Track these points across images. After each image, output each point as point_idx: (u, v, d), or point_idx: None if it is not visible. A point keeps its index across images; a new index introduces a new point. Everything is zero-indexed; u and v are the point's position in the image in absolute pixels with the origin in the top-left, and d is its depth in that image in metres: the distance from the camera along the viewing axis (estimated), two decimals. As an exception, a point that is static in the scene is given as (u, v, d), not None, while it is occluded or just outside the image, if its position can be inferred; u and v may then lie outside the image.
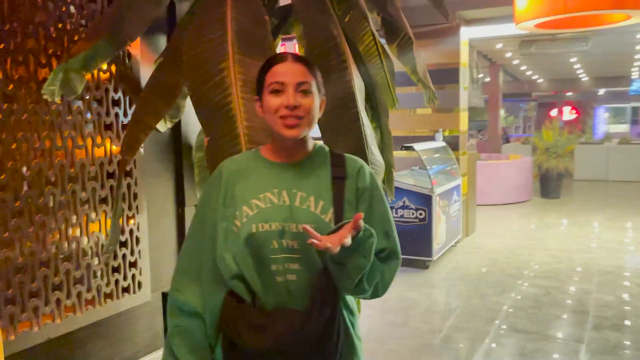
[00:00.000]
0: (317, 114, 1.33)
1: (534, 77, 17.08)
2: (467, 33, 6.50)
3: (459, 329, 3.74)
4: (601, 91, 22.67)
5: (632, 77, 16.62)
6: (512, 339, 3.56)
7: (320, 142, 1.42)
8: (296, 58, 1.34)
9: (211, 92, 2.05)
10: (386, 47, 2.85)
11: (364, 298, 1.34)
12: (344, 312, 1.34)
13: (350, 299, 1.38)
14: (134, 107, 2.78)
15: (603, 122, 28.20)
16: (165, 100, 2.35)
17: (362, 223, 1.17)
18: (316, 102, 1.32)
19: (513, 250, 6.03)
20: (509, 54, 11.35)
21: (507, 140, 16.78)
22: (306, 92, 1.30)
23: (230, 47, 2.06)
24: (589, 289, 4.64)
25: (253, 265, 1.28)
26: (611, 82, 18.21)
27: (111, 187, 2.98)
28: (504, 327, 3.77)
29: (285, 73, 1.30)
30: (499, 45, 10.07)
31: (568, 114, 24.05)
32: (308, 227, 1.18)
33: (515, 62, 12.75)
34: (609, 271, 5.27)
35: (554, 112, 24.22)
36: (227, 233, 1.32)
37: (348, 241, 1.16)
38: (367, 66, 2.65)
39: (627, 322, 3.85)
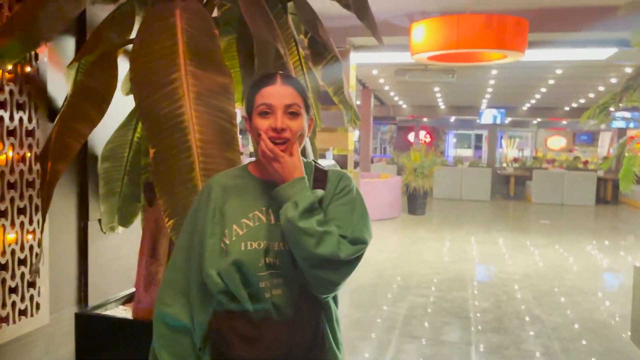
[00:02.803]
0: (305, 133, 1.36)
1: (400, 103, 18.45)
2: (355, 58, 6.89)
3: (364, 339, 3.94)
4: (452, 118, 25.12)
5: (481, 108, 18.70)
6: (412, 345, 3.84)
7: (308, 159, 1.45)
8: (285, 80, 1.35)
9: (160, 102, 1.99)
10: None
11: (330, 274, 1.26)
12: (327, 323, 1.38)
13: (334, 310, 1.43)
14: (61, 112, 2.55)
15: (452, 146, 31.28)
16: (97, 107, 2.22)
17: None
18: (304, 123, 1.34)
19: (395, 262, 6.45)
20: (382, 80, 12.16)
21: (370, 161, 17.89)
22: (294, 114, 1.31)
23: (182, 58, 2.02)
24: (465, 296, 5.14)
25: (240, 282, 1.29)
26: (463, 110, 20.31)
27: (12, 199, 2.70)
28: (403, 334, 4.04)
29: (274, 95, 1.30)
30: (374, 72, 10.76)
31: (423, 137, 26.32)
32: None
33: (386, 87, 13.69)
34: (479, 280, 5.90)
35: (411, 136, 26.33)
36: (214, 250, 1.32)
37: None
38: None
39: (504, 325, 4.34)
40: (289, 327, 1.29)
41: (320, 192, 1.29)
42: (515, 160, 19.58)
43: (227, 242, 1.31)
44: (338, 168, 1.51)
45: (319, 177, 1.39)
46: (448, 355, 3.66)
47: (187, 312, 1.35)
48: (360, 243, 1.29)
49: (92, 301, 3.24)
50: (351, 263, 1.27)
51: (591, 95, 14.29)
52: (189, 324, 1.35)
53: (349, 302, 4.83)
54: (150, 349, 1.42)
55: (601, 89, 13.01)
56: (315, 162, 1.45)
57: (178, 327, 1.35)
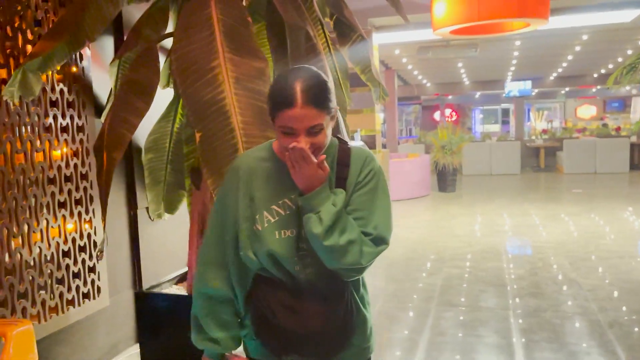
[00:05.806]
0: (328, 139, 1.36)
1: (423, 82, 18.32)
2: (376, 39, 6.94)
3: (403, 309, 4.07)
4: (477, 94, 24.77)
5: (506, 81, 18.42)
6: (450, 312, 3.95)
7: (334, 138, 1.45)
8: (306, 100, 1.27)
9: (203, 89, 2.14)
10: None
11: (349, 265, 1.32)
12: (354, 291, 1.46)
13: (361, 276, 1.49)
14: (108, 106, 2.74)
15: (478, 122, 30.86)
16: (143, 99, 2.38)
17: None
18: (328, 132, 1.34)
19: (428, 239, 6.55)
20: (404, 60, 12.13)
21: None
22: (317, 132, 1.30)
23: (220, 46, 2.17)
24: (500, 266, 5.22)
25: (274, 265, 1.38)
26: (488, 85, 20.02)
27: (69, 191, 2.91)
28: (441, 303, 4.16)
29: (295, 119, 1.27)
30: (397, 51, 10.75)
31: (449, 115, 26.05)
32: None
33: (409, 67, 13.64)
34: (513, 250, 5.95)
35: (436, 115, 26.10)
36: (249, 233, 1.39)
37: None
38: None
39: (541, 290, 4.42)
40: (324, 299, 1.38)
41: (341, 200, 1.32)
42: (544, 131, 19.25)
43: (260, 228, 1.37)
44: (366, 148, 1.48)
45: (342, 160, 1.40)
46: (487, 320, 3.77)
47: (228, 284, 1.44)
48: (383, 244, 1.35)
49: (146, 283, 3.45)
50: (372, 261, 1.35)
51: (620, 59, 13.96)
52: (230, 294, 1.45)
53: (385, 276, 4.96)
54: (190, 317, 1.49)
55: (629, 52, 12.71)
56: (340, 140, 1.45)
57: (220, 297, 1.45)
